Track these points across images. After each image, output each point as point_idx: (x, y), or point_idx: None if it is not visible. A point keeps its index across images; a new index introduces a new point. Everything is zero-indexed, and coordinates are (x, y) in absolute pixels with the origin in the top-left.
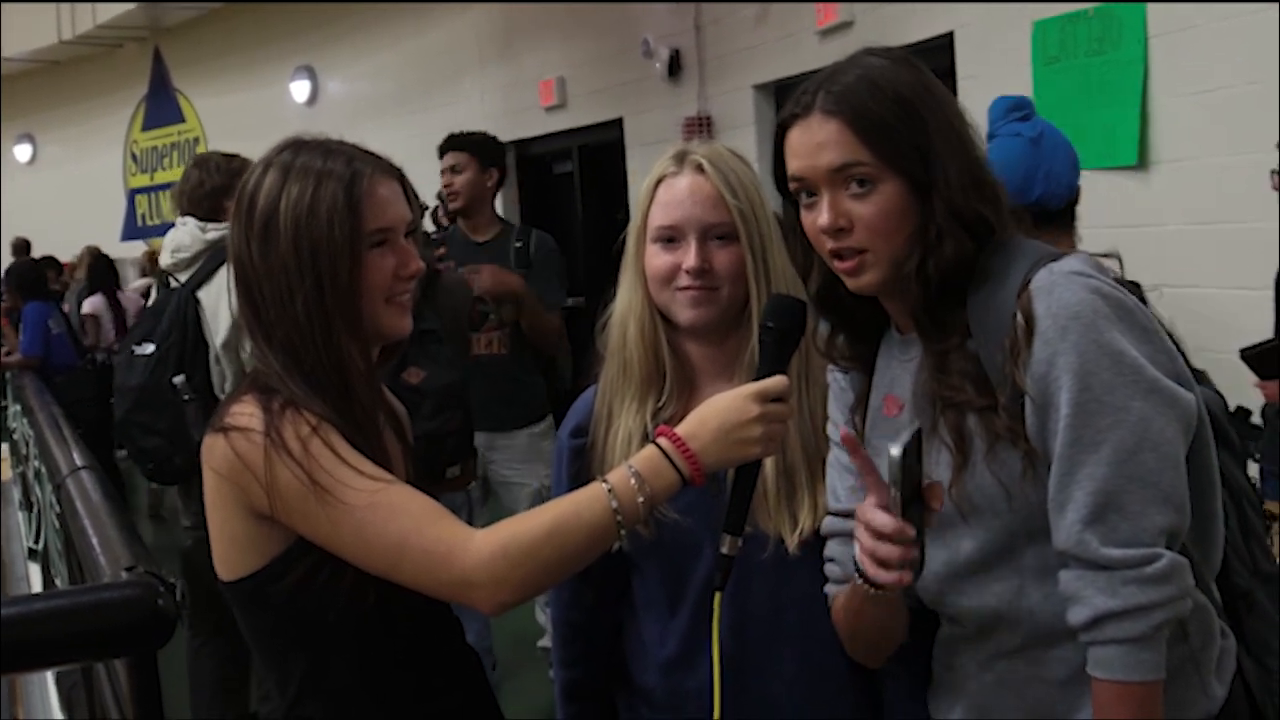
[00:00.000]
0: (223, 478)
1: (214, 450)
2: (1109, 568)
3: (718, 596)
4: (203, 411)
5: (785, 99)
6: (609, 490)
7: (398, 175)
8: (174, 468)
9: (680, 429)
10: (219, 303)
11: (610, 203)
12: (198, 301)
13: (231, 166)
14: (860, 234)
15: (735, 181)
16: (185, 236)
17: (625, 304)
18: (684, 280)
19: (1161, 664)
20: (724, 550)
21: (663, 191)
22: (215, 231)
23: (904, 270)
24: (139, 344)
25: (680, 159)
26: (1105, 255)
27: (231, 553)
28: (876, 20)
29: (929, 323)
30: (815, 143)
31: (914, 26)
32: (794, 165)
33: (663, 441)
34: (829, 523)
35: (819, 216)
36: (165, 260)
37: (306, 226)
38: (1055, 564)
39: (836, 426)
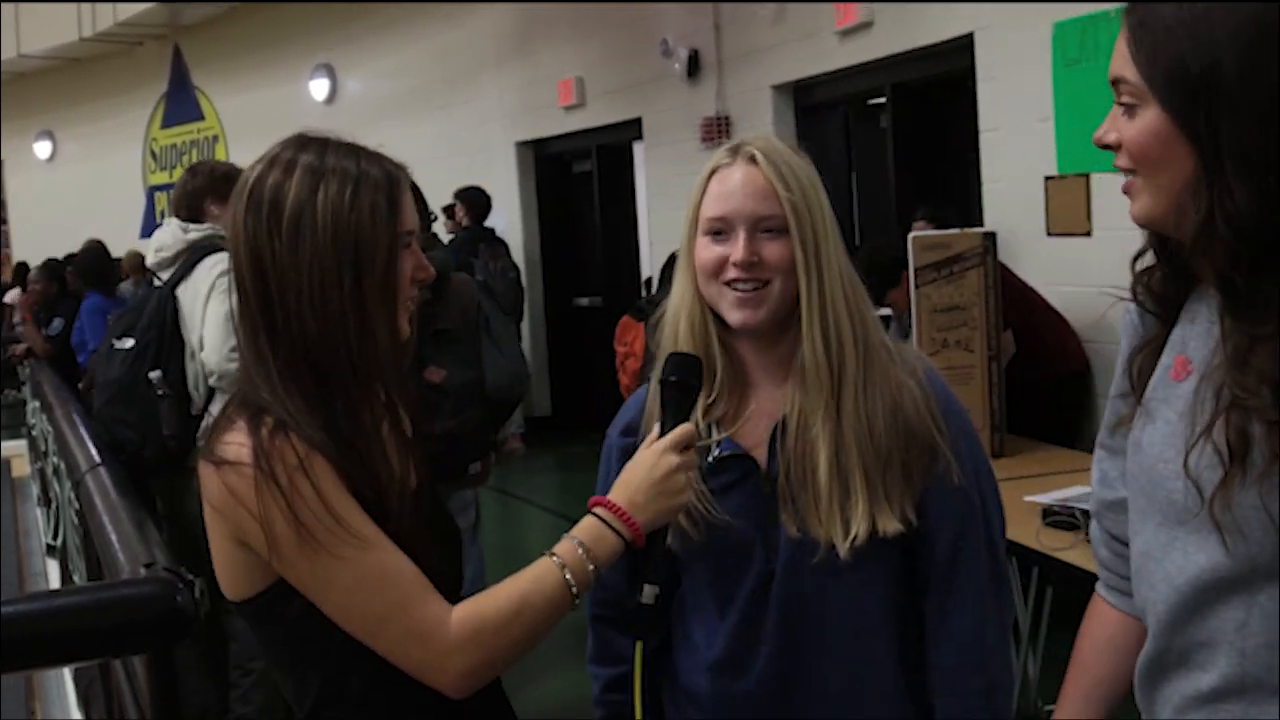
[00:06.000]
0: (216, 511)
1: (207, 483)
2: None
3: (638, 647)
4: (175, 407)
5: (804, 99)
6: (562, 565)
7: (410, 181)
8: (144, 461)
9: (612, 495)
10: (195, 301)
11: (628, 202)
12: (176, 299)
13: (216, 171)
14: (1125, 155)
15: (789, 174)
16: (167, 236)
17: (677, 299)
18: (732, 273)
19: None
20: (643, 600)
21: (715, 183)
22: (196, 232)
23: (1193, 223)
24: (119, 339)
25: (735, 150)
26: None
27: (233, 577)
28: (896, 21)
29: (1233, 295)
30: (1116, 46)
31: (934, 27)
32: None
33: (600, 511)
34: (1094, 506)
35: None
36: (150, 259)
37: (347, 222)
38: None
39: (1116, 383)
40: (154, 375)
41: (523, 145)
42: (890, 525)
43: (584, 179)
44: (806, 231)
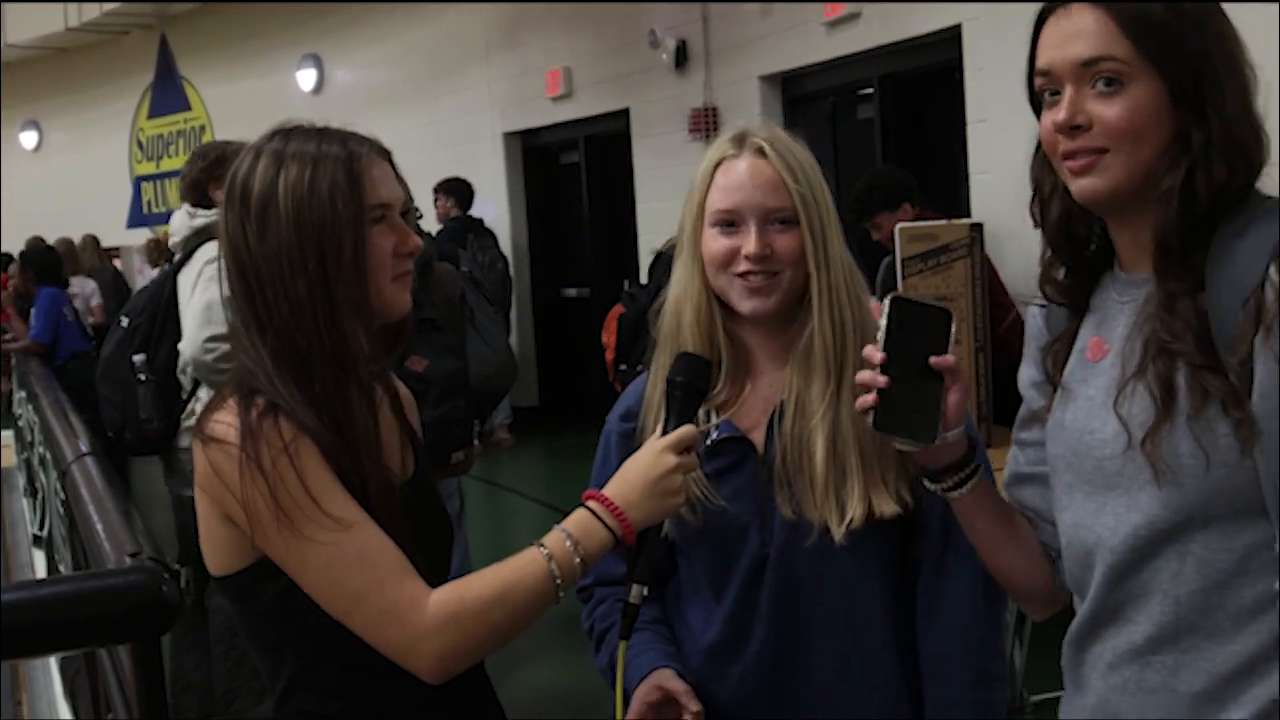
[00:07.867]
0: (202, 487)
1: (195, 460)
2: None
3: (622, 646)
4: (156, 392)
5: (792, 90)
6: (548, 556)
7: (388, 157)
8: (124, 441)
9: (607, 489)
10: (185, 287)
11: (617, 193)
12: (176, 283)
13: (213, 154)
14: (1099, 135)
15: (796, 165)
16: (176, 222)
17: (681, 288)
18: (743, 265)
19: None
20: (630, 599)
21: (721, 175)
22: (203, 218)
23: (1161, 185)
24: (124, 315)
25: (740, 141)
26: None
27: (217, 553)
28: (883, 12)
29: (1176, 250)
30: (1068, 33)
31: (922, 19)
32: (1042, 59)
33: (592, 504)
34: (1009, 476)
35: (1056, 113)
36: (170, 244)
37: (308, 205)
38: (1223, 561)
39: (1029, 377)
40: (137, 359)
41: (510, 136)
42: (887, 507)
43: (572, 170)
44: (815, 222)
